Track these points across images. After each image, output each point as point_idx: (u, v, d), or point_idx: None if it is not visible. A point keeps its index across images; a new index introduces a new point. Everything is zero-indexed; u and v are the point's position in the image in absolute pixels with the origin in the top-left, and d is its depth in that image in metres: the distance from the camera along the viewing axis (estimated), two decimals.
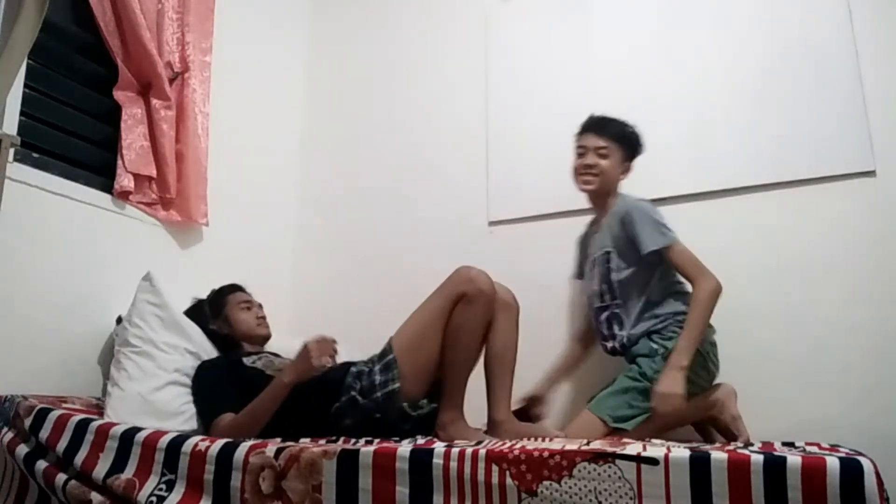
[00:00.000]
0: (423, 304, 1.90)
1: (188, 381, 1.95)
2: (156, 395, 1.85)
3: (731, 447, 1.35)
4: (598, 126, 2.10)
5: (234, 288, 2.21)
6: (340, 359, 2.32)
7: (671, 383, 1.78)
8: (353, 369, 1.87)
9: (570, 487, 1.15)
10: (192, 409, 1.90)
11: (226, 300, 2.16)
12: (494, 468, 1.21)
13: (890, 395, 1.93)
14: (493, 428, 1.86)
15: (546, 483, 1.17)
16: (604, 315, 2.05)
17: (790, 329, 2.08)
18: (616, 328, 2.02)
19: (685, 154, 2.34)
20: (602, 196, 2.11)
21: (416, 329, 1.88)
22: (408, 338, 1.87)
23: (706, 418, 1.95)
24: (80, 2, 2.18)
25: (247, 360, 2.01)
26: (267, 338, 2.17)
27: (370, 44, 3.13)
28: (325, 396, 1.83)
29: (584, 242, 2.25)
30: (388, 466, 1.27)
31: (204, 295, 2.22)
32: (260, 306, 2.21)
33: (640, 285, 1.99)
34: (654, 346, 1.92)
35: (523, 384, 2.07)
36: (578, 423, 1.90)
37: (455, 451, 1.26)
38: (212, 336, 2.11)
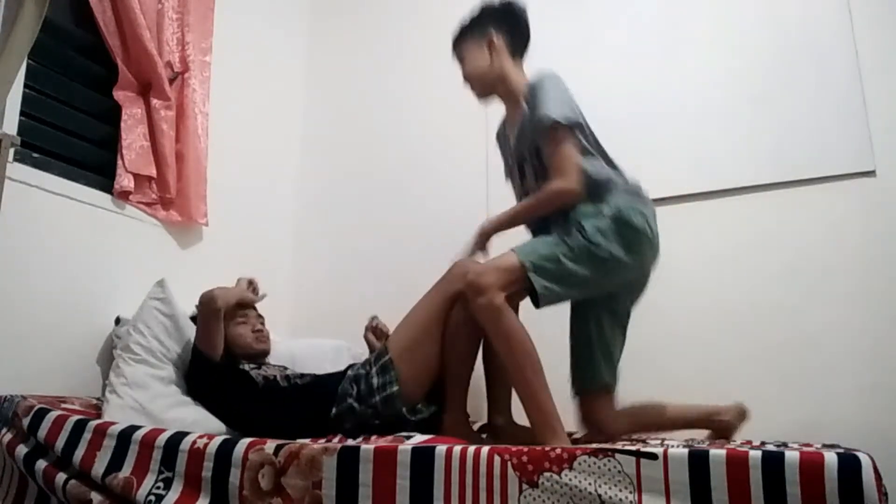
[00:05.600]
0: (419, 303, 1.85)
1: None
2: (153, 403, 1.84)
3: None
4: (452, 48, 1.95)
5: None
6: (338, 361, 2.32)
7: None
8: (350, 373, 1.82)
9: (571, 479, 1.16)
10: (189, 417, 1.86)
11: None
12: (496, 458, 1.22)
13: (889, 395, 1.93)
14: (492, 433, 1.85)
15: (547, 474, 1.18)
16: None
17: (789, 329, 2.07)
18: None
19: (685, 154, 2.34)
20: (505, 98, 1.92)
21: (413, 329, 1.81)
22: (405, 339, 1.81)
23: (703, 425, 1.84)
24: (80, 2, 2.18)
25: (245, 366, 1.97)
26: (265, 353, 2.09)
27: (370, 43, 3.13)
28: (324, 402, 1.79)
29: (502, 141, 2.05)
30: (389, 460, 1.27)
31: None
32: (259, 317, 2.13)
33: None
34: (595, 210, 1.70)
35: None
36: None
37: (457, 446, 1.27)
38: None
